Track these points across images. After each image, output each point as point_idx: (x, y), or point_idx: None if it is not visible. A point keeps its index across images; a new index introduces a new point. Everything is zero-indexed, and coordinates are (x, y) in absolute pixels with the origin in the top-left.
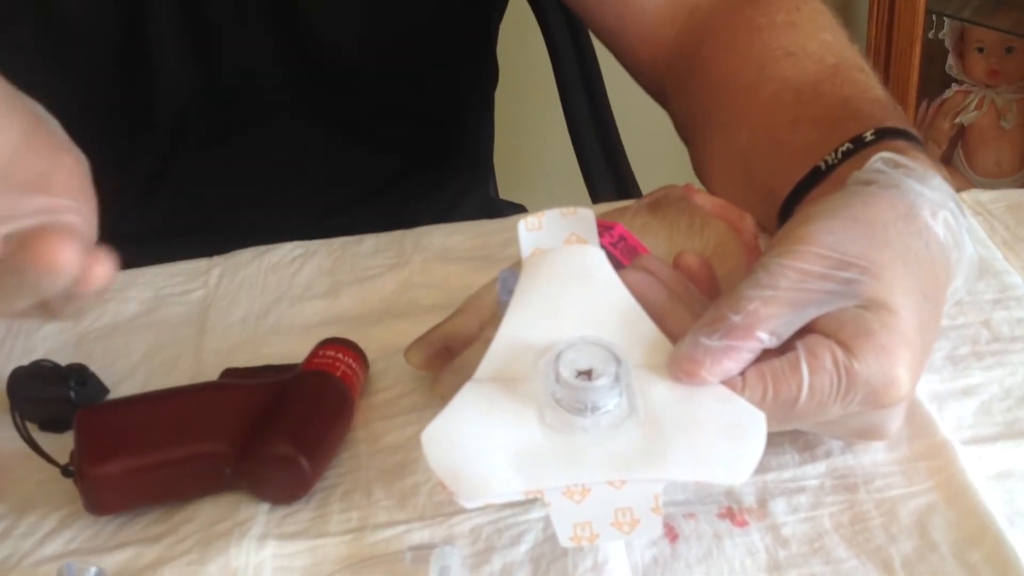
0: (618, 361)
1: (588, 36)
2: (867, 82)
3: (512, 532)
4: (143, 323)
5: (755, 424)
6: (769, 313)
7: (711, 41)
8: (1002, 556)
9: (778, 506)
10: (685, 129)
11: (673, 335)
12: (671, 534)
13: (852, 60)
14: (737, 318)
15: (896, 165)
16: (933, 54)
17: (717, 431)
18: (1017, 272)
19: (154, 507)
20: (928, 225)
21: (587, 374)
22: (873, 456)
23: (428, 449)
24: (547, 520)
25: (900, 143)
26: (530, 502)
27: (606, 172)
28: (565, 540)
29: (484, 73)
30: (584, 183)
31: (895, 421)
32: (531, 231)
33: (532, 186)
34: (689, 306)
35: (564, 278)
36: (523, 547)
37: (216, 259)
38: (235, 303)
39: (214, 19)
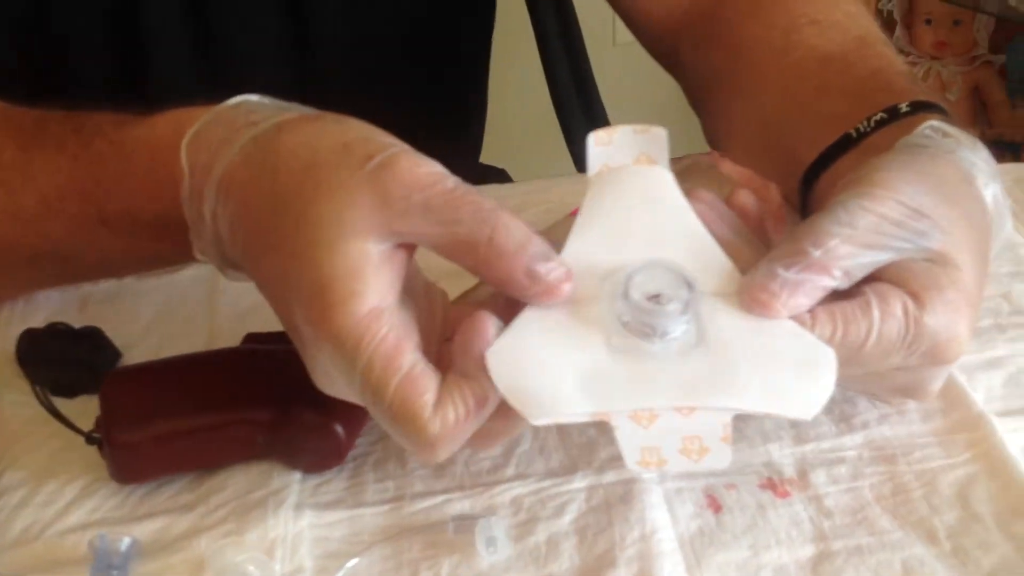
0: (690, 287)
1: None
2: (892, 56)
3: (555, 502)
4: (150, 284)
5: (826, 360)
6: (847, 252)
7: (733, 3)
8: None
9: (819, 477)
10: (698, 94)
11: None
12: (714, 505)
13: (876, 34)
14: (817, 252)
15: (945, 135)
16: (881, 25)
17: (789, 364)
18: None
19: (180, 476)
20: (981, 195)
21: (656, 298)
22: (909, 427)
23: (493, 367)
24: (590, 490)
25: (937, 116)
26: (571, 471)
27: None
28: (632, 464)
29: (480, 31)
30: (568, 150)
31: (940, 381)
32: (600, 146)
33: (511, 151)
34: (749, 243)
35: (632, 199)
36: (567, 517)
37: None
38: None
39: None
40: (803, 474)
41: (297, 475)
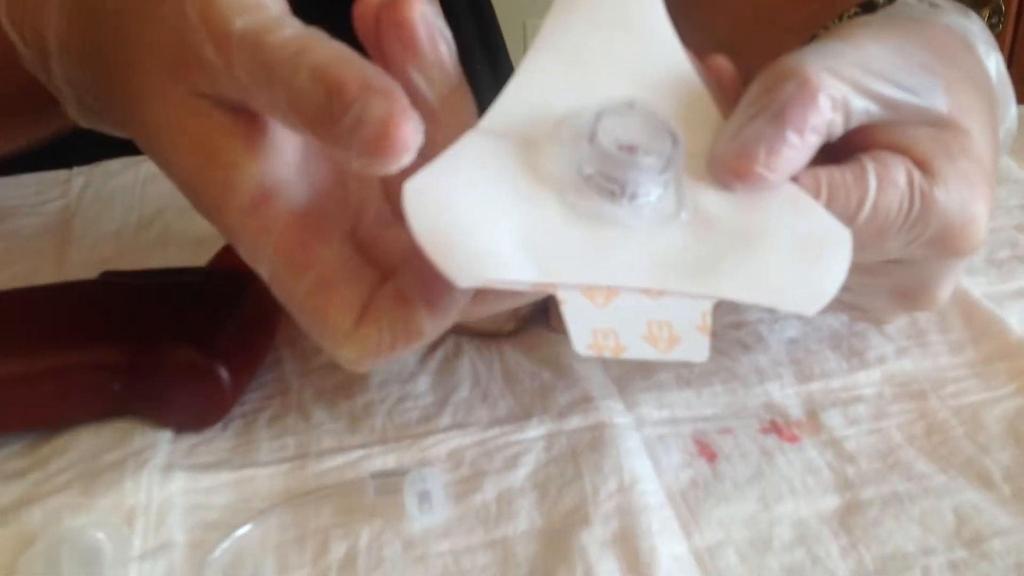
0: (675, 140)
1: None
2: None
3: (506, 453)
4: None
5: (838, 240)
6: (836, 80)
7: None
8: None
9: (832, 418)
10: None
11: None
12: (707, 452)
13: None
14: (792, 84)
15: (932, 4)
16: None
17: (789, 244)
18: None
19: (12, 438)
20: (983, 61)
21: (630, 150)
22: (935, 360)
23: (411, 207)
24: (549, 438)
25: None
26: (523, 418)
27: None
28: (582, 347)
29: None
30: None
31: (950, 284)
32: None
33: None
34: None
35: (607, 22)
36: (522, 470)
37: (77, 169)
38: (106, 213)
39: None
40: (812, 415)
41: (166, 434)
